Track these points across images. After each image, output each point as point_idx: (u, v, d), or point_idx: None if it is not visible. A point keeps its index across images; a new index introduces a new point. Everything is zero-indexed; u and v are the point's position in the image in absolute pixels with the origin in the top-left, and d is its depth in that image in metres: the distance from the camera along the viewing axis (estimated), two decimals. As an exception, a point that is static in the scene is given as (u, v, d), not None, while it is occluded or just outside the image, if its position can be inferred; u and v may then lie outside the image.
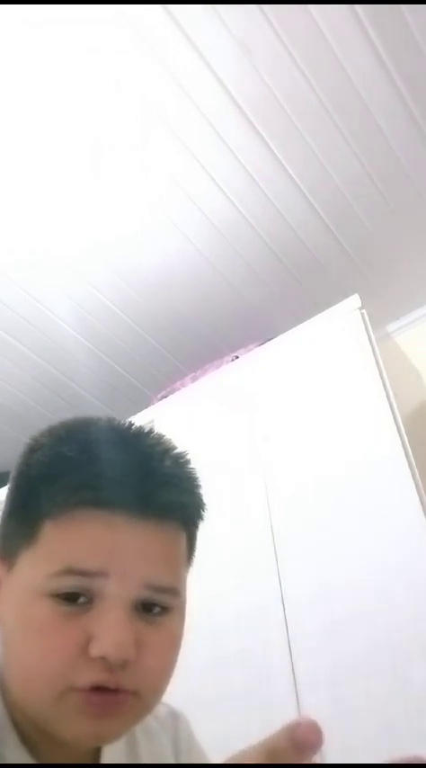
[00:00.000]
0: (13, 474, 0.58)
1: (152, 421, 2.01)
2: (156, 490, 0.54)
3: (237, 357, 2.01)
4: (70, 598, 0.50)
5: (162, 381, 2.32)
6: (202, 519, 0.59)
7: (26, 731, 0.52)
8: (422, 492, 1.42)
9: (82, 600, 0.50)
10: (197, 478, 0.59)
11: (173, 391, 2.12)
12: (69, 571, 0.50)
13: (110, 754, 0.58)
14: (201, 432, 1.83)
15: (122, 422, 0.59)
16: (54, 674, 0.49)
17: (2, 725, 0.51)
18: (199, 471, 0.59)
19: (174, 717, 0.68)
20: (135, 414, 2.12)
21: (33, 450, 0.57)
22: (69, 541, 0.51)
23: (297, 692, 1.35)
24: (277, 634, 1.43)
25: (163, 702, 0.60)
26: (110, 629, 0.49)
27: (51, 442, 0.57)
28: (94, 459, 0.54)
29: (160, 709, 0.66)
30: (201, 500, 0.59)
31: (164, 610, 0.53)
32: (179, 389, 2.10)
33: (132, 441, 0.57)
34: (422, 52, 1.57)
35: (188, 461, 0.58)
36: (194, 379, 2.08)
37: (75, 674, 0.49)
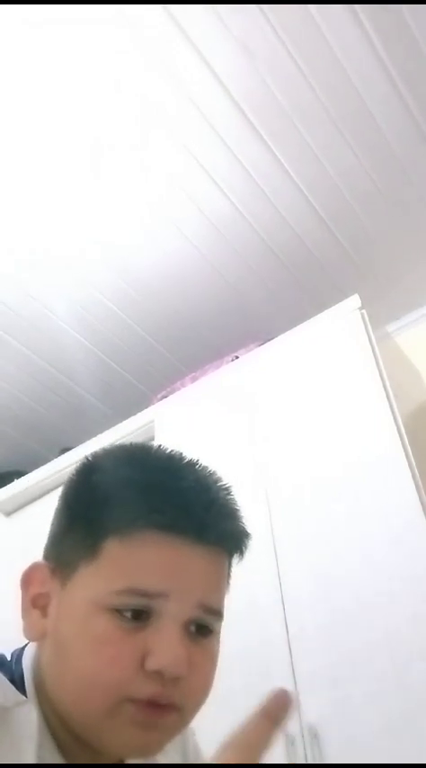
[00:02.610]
0: (69, 493, 0.61)
1: (152, 421, 2.02)
2: (216, 520, 0.58)
3: (237, 357, 2.01)
4: (130, 614, 0.53)
5: (162, 381, 2.32)
6: (247, 548, 0.63)
7: (60, 736, 0.55)
8: (422, 492, 1.42)
9: (141, 616, 0.53)
10: (240, 509, 0.62)
11: (173, 391, 2.12)
12: (133, 591, 0.53)
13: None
14: (201, 432, 1.83)
15: (172, 450, 0.62)
16: (113, 684, 0.51)
17: (41, 729, 0.53)
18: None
19: None
20: (135, 414, 2.12)
21: (92, 470, 0.60)
22: (134, 562, 0.54)
23: (297, 692, 1.35)
24: (277, 634, 1.43)
25: None
26: (167, 645, 0.52)
27: (114, 464, 0.60)
28: (161, 485, 0.57)
29: None
30: (247, 531, 0.62)
31: (209, 631, 0.57)
32: (179, 389, 2.10)
33: (188, 470, 0.60)
34: (422, 52, 1.57)
35: (231, 491, 0.62)
36: (194, 379, 2.08)
37: (131, 687, 0.52)
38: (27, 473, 2.30)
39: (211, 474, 0.61)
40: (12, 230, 1.89)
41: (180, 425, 1.93)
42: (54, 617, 0.57)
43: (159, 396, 2.16)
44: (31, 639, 0.59)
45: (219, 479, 0.61)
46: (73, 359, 2.30)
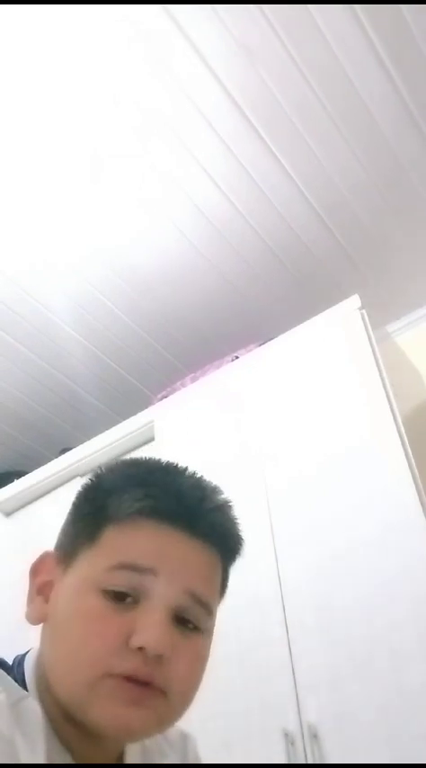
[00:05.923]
0: (81, 492, 0.66)
1: (152, 421, 2.02)
2: (207, 514, 0.62)
3: (237, 357, 2.01)
4: (120, 597, 0.56)
5: (162, 381, 2.32)
6: (240, 555, 0.66)
7: (62, 731, 0.56)
8: (422, 492, 1.42)
9: (129, 600, 0.56)
10: (238, 521, 0.66)
11: (173, 391, 2.12)
12: (123, 566, 0.57)
13: (131, 758, 0.62)
14: (201, 431, 1.83)
15: (181, 465, 0.67)
16: (95, 658, 0.54)
17: (46, 726, 0.55)
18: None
19: (184, 738, 0.72)
20: (135, 414, 2.12)
21: (102, 473, 0.66)
22: (126, 542, 0.59)
23: (297, 692, 1.35)
24: (277, 634, 1.43)
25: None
26: (152, 623, 0.55)
27: (121, 467, 0.66)
28: (158, 480, 0.62)
29: (171, 732, 0.69)
30: (241, 538, 0.66)
31: (197, 628, 0.59)
32: (179, 389, 2.10)
33: (189, 475, 0.65)
34: (421, 51, 1.57)
35: (228, 499, 0.65)
36: (194, 380, 2.09)
37: (113, 661, 0.54)
38: (27, 473, 2.30)
39: (213, 485, 0.65)
40: (12, 231, 1.89)
41: (180, 425, 1.93)
42: (53, 601, 0.60)
43: (159, 396, 2.16)
44: (31, 623, 0.62)
45: (221, 492, 0.65)
46: (73, 359, 2.30)
